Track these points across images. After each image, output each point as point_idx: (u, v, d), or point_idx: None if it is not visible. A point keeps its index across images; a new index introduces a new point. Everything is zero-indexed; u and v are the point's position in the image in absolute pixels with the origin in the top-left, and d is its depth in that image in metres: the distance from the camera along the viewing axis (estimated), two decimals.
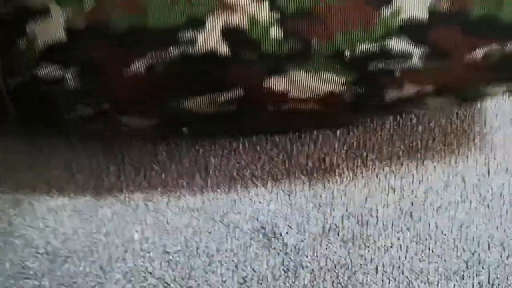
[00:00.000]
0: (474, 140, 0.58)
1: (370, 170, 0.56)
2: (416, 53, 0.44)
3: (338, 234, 0.54)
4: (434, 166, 0.57)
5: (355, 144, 0.57)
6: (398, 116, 0.58)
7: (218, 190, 0.55)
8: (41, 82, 0.43)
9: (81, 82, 0.43)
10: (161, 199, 0.54)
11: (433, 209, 0.55)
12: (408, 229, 0.54)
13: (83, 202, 0.54)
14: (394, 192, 0.56)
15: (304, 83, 0.45)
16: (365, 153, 0.57)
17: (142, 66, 0.42)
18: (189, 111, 0.46)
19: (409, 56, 0.44)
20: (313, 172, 0.56)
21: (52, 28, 0.41)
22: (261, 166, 0.56)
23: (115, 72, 0.43)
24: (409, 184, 0.56)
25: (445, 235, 0.54)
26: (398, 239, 0.54)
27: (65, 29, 0.41)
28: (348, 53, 0.43)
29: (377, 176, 0.56)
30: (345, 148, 0.57)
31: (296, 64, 0.44)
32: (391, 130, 0.58)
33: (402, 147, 0.58)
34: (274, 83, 0.45)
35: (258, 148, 0.57)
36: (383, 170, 0.57)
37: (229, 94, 0.45)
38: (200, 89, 0.45)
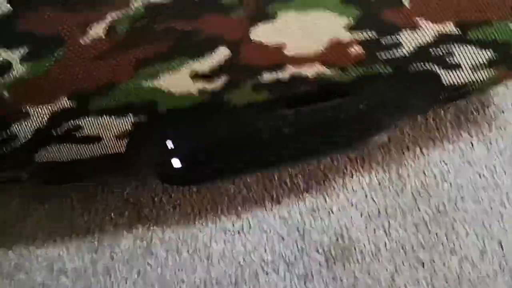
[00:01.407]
0: (509, 197, 0.51)
1: (394, 242, 0.50)
2: None
3: None
4: (466, 231, 0.50)
5: (374, 211, 0.50)
6: (420, 177, 0.51)
7: (224, 282, 0.48)
8: None
9: None
10: None
11: (470, 283, 0.49)
12: None
13: None
14: (423, 266, 0.49)
15: (298, 30, 0.38)
16: (387, 222, 0.50)
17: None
18: (166, 93, 0.37)
19: None
20: (330, 250, 0.49)
21: None
22: (270, 248, 0.49)
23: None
24: (440, 255, 0.49)
25: None
26: None
27: None
28: None
29: (402, 248, 0.49)
30: (363, 217, 0.50)
31: (281, 1, 0.37)
32: (413, 192, 0.51)
33: (428, 211, 0.51)
34: (264, 34, 0.37)
35: (265, 226, 0.50)
36: (409, 241, 0.50)
37: (211, 58, 0.37)
38: (173, 53, 0.37)
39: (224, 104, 0.39)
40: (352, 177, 0.52)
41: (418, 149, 0.52)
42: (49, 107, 0.36)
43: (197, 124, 0.39)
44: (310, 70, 0.39)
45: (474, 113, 0.54)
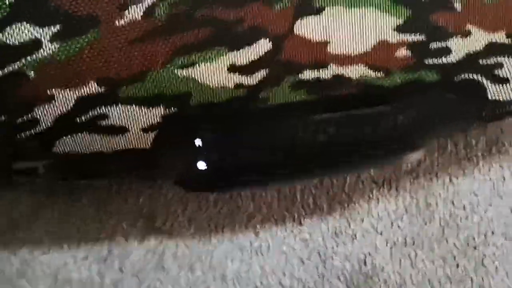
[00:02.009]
0: None
1: (420, 274, 0.47)
2: None
3: None
4: (496, 268, 0.47)
5: (400, 239, 0.48)
6: (449, 207, 0.49)
7: None
8: None
9: None
10: None
11: None
12: None
13: None
14: None
15: (345, 26, 0.35)
16: (413, 252, 0.47)
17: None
18: (200, 85, 0.35)
19: None
20: (352, 278, 0.46)
21: None
22: (289, 272, 0.46)
23: None
24: None
25: None
26: None
27: None
28: None
29: (429, 282, 0.47)
30: (389, 245, 0.48)
31: None
32: (441, 222, 0.48)
33: (456, 243, 0.48)
34: (308, 28, 0.35)
35: (284, 248, 0.47)
36: (436, 274, 0.47)
37: (251, 51, 0.35)
38: (212, 43, 0.34)
39: (259, 102, 0.36)
40: (378, 202, 0.49)
41: (447, 178, 0.50)
42: (76, 92, 0.33)
43: (229, 122, 0.37)
44: (354, 71, 0.36)
45: (506, 144, 0.51)
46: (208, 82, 0.34)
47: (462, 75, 0.39)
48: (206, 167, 0.37)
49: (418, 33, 0.36)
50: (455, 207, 0.49)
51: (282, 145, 0.38)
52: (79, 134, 0.35)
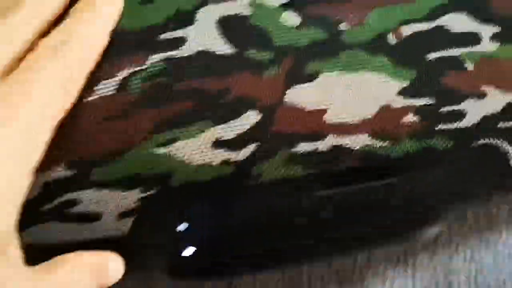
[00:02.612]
0: None
1: None
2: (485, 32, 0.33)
3: None
4: None
5: None
6: (475, 283, 0.44)
7: None
8: None
9: None
10: None
11: None
12: None
13: None
14: None
15: (342, 94, 0.32)
16: None
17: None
18: (182, 163, 0.31)
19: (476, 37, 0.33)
20: None
21: None
22: None
23: None
24: None
25: None
26: None
27: None
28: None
29: None
30: None
31: (323, 59, 0.31)
32: None
33: None
34: (301, 96, 0.31)
35: None
36: None
37: (239, 124, 0.31)
38: (194, 116, 0.31)
39: (250, 179, 0.32)
40: (393, 283, 0.44)
41: (469, 253, 0.45)
42: (43, 176, 0.29)
43: (216, 202, 0.33)
44: (355, 142, 0.32)
45: None
46: (191, 160, 0.31)
47: (480, 141, 0.35)
48: (193, 253, 0.33)
49: (426, 97, 0.33)
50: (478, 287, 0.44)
51: (281, 225, 0.34)
52: (46, 223, 0.31)
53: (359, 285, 0.44)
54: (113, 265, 0.30)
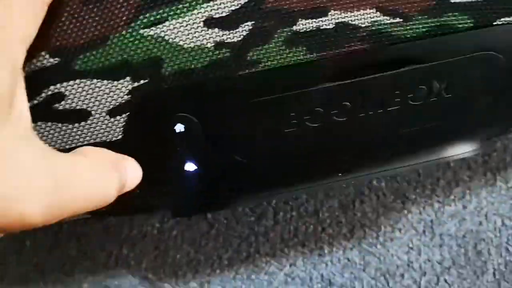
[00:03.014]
0: None
1: None
2: None
3: None
4: None
5: None
6: (504, 255, 0.41)
7: None
8: None
9: None
10: None
11: None
12: None
13: None
14: None
15: None
16: None
17: None
18: (172, 46, 0.28)
19: None
20: None
21: None
22: None
23: None
24: None
25: None
26: None
27: None
28: None
29: None
30: None
31: None
32: (496, 274, 0.41)
33: None
34: None
35: None
36: None
37: None
38: None
39: (247, 65, 0.29)
40: (419, 253, 0.42)
41: (499, 220, 0.43)
42: (26, 66, 0.27)
43: (213, 95, 0.30)
44: (362, 18, 0.29)
45: None
46: (181, 42, 0.28)
47: (502, 18, 0.30)
48: (196, 168, 0.30)
49: None
50: (511, 255, 0.42)
51: (288, 130, 0.31)
52: (36, 126, 0.29)
53: (383, 256, 0.42)
54: (131, 168, 0.28)
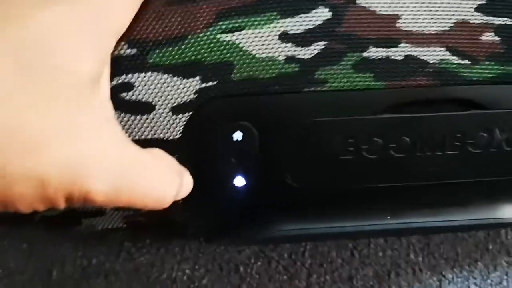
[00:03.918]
0: None
1: None
2: None
3: None
4: None
5: None
6: None
7: None
8: None
9: None
10: None
11: None
12: None
13: None
14: None
15: (417, 2, 0.29)
16: None
17: None
18: (245, 53, 0.30)
19: None
20: None
21: None
22: None
23: None
24: None
25: None
26: None
27: None
28: None
29: None
30: None
31: None
32: None
33: None
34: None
35: None
36: None
37: (307, 19, 0.29)
38: (262, 6, 0.29)
39: (314, 83, 0.30)
40: None
41: None
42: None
43: (276, 108, 0.30)
44: (431, 54, 0.30)
45: None
46: (254, 51, 0.29)
47: None
48: (245, 184, 0.30)
49: (505, 17, 0.30)
50: None
51: (344, 157, 0.31)
52: None
53: None
54: (186, 177, 0.29)
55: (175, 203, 0.28)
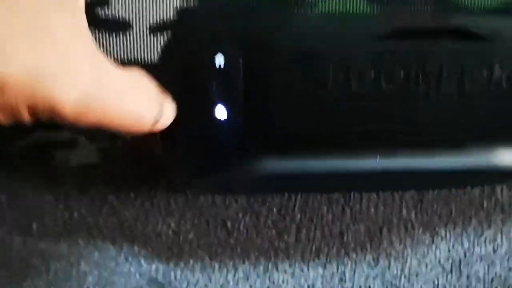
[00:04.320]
0: None
1: None
2: None
3: None
4: None
5: None
6: None
7: None
8: None
9: None
10: None
11: None
12: None
13: None
14: None
15: None
16: None
17: None
18: None
19: None
20: None
21: None
22: None
23: None
24: None
25: None
26: None
27: None
28: None
29: None
30: None
31: None
32: None
33: None
34: None
35: None
36: None
37: None
38: None
39: (304, 6, 0.28)
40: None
41: None
42: None
43: (262, 29, 0.27)
44: None
45: None
46: None
47: None
48: (227, 115, 0.27)
49: None
50: None
51: (330, 90, 0.28)
52: None
53: (407, 287, 0.39)
54: (168, 104, 0.27)
55: (153, 136, 0.26)
